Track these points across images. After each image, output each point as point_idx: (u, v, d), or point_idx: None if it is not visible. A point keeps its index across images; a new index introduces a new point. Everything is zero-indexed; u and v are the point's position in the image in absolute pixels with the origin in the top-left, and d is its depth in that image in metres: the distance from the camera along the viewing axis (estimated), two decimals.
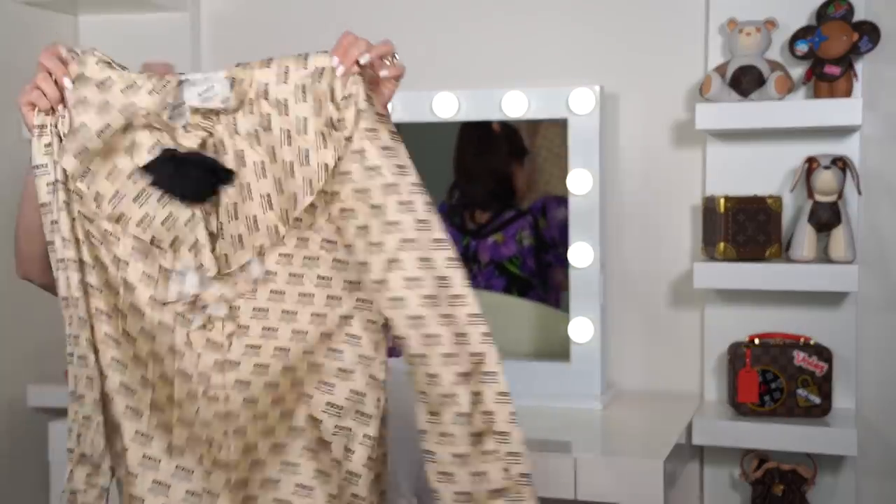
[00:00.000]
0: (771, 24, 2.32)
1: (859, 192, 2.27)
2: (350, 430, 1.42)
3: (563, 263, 2.49)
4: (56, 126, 1.39)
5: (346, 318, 1.42)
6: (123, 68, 1.39)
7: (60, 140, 1.39)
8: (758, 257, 2.29)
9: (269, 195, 1.39)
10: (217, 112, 1.39)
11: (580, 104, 2.41)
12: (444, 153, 2.66)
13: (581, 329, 2.45)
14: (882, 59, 2.30)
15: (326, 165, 1.36)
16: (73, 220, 1.39)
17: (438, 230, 1.34)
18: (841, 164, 2.25)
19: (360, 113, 1.35)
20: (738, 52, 2.31)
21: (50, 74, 1.38)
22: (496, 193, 2.69)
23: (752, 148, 2.41)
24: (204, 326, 1.42)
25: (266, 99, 1.38)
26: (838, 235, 2.25)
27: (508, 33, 2.61)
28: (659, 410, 2.40)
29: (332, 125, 1.35)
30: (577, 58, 2.56)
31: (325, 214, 1.40)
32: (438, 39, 2.66)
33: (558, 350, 2.51)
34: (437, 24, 2.66)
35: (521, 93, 2.45)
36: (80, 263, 1.39)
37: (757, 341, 2.32)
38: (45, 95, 1.38)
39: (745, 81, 2.27)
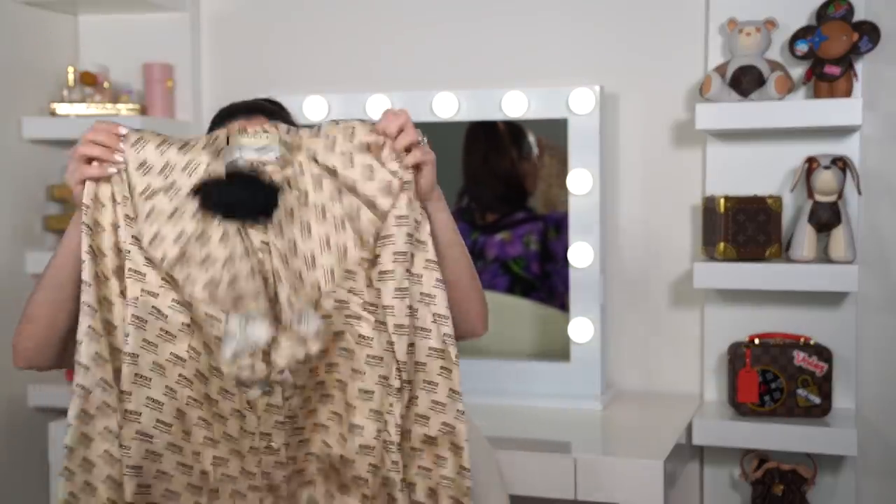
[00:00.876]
0: (771, 24, 2.32)
1: (859, 192, 2.27)
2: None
3: (564, 277, 2.49)
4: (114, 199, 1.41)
5: (384, 378, 1.45)
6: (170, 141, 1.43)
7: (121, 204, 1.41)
8: (758, 257, 2.29)
9: (327, 236, 1.44)
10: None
11: (580, 104, 2.41)
12: (444, 153, 2.64)
13: (581, 329, 2.45)
14: (882, 59, 2.30)
15: (377, 231, 1.43)
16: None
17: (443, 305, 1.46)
18: (841, 164, 2.25)
19: (410, 201, 1.45)
20: (738, 52, 2.31)
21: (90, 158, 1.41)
22: (506, 196, 2.68)
23: (752, 148, 2.41)
24: (265, 393, 1.45)
25: (316, 162, 1.43)
26: (838, 235, 2.25)
27: (508, 33, 2.61)
28: (659, 410, 2.40)
29: (387, 190, 1.43)
30: (577, 58, 2.56)
31: (366, 279, 1.44)
32: (438, 39, 2.66)
33: (558, 350, 2.51)
34: (437, 24, 2.66)
35: (521, 93, 2.45)
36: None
37: (757, 341, 2.32)
38: (103, 146, 1.39)
39: (745, 81, 2.27)
